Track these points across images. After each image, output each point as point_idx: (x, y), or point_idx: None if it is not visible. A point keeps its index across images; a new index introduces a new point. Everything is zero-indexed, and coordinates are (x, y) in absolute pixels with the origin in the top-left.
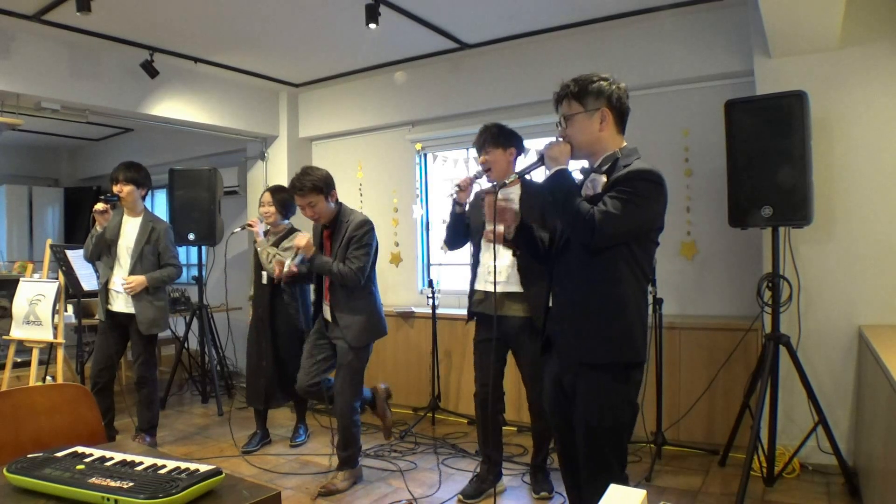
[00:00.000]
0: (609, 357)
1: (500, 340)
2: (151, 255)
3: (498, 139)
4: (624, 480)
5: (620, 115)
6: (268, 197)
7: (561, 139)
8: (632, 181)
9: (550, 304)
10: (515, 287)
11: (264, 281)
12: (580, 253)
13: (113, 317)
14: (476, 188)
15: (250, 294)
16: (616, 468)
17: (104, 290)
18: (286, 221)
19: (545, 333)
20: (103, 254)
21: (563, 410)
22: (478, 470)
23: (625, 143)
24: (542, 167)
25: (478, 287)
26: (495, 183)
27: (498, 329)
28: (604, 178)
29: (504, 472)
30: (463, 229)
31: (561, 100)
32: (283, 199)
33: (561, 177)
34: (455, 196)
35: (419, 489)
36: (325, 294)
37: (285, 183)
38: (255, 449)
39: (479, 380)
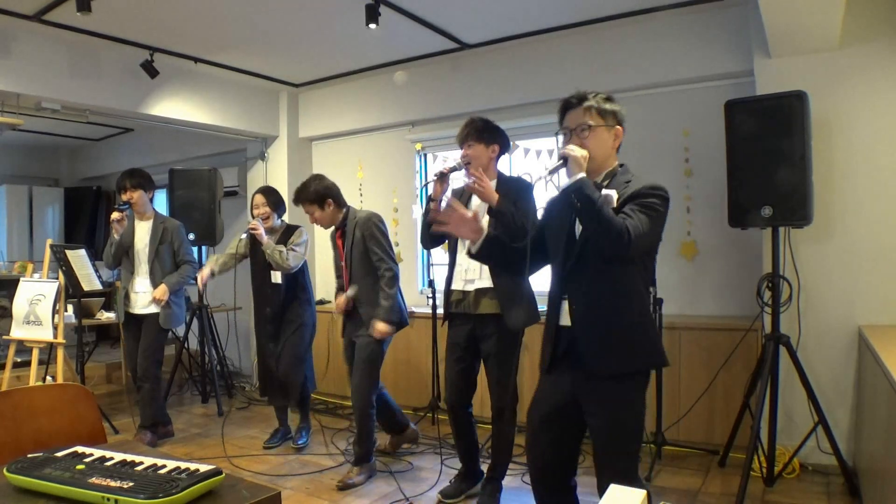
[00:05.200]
0: (641, 365)
1: (472, 341)
2: (167, 253)
3: (482, 134)
4: (641, 482)
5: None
6: (261, 199)
7: (574, 147)
8: (652, 196)
9: (564, 322)
10: (488, 282)
11: (275, 280)
12: (597, 266)
13: (131, 318)
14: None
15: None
16: (635, 471)
17: (125, 294)
18: (280, 221)
19: (557, 349)
20: (123, 259)
21: (563, 425)
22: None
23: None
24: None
25: (455, 287)
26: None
27: (473, 329)
28: (615, 194)
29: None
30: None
31: (571, 108)
32: (275, 200)
33: (587, 185)
34: (430, 189)
35: (420, 489)
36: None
37: (285, 183)
38: (277, 444)
39: (452, 385)
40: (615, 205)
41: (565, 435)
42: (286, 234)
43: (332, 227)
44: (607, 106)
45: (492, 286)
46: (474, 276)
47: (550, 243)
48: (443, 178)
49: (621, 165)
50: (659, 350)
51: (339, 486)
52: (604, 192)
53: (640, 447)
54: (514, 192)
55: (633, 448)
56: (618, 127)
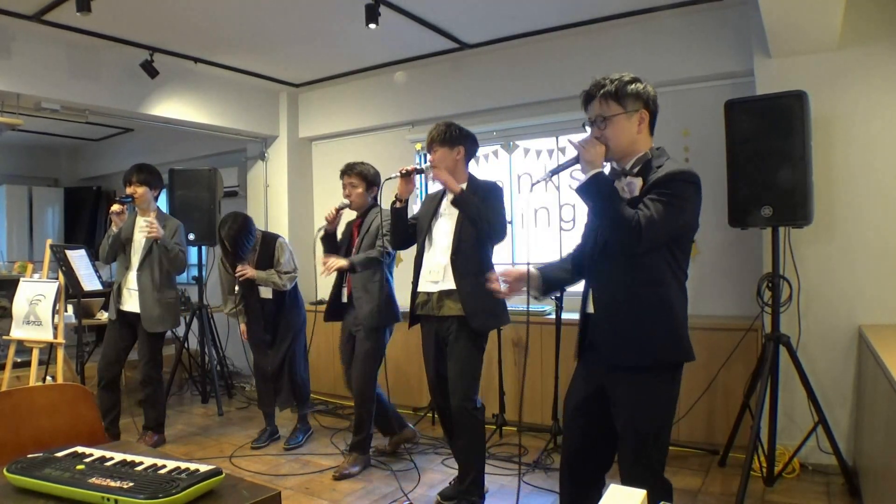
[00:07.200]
0: (657, 358)
1: (439, 343)
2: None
3: (444, 137)
4: (666, 482)
5: (654, 117)
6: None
7: (595, 139)
8: (672, 183)
9: (590, 310)
10: (451, 284)
11: (264, 296)
12: (621, 256)
13: (123, 315)
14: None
15: (226, 310)
16: (659, 468)
17: (118, 290)
18: (251, 242)
19: (584, 338)
20: (118, 254)
21: (592, 416)
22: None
23: (652, 144)
24: (577, 166)
25: (420, 288)
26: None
27: (438, 331)
28: (640, 182)
29: (502, 471)
30: (405, 228)
31: (592, 99)
32: (232, 235)
33: (600, 181)
34: (397, 186)
35: (420, 489)
36: (347, 282)
37: (285, 183)
38: (264, 445)
39: (437, 392)
40: (637, 193)
41: (595, 425)
42: (265, 246)
43: (351, 208)
44: (629, 89)
45: (455, 288)
46: (438, 277)
47: (587, 233)
48: (407, 176)
49: (658, 149)
50: (681, 343)
51: (336, 476)
52: (627, 179)
53: (660, 446)
54: (482, 192)
55: (648, 445)
56: (642, 110)
